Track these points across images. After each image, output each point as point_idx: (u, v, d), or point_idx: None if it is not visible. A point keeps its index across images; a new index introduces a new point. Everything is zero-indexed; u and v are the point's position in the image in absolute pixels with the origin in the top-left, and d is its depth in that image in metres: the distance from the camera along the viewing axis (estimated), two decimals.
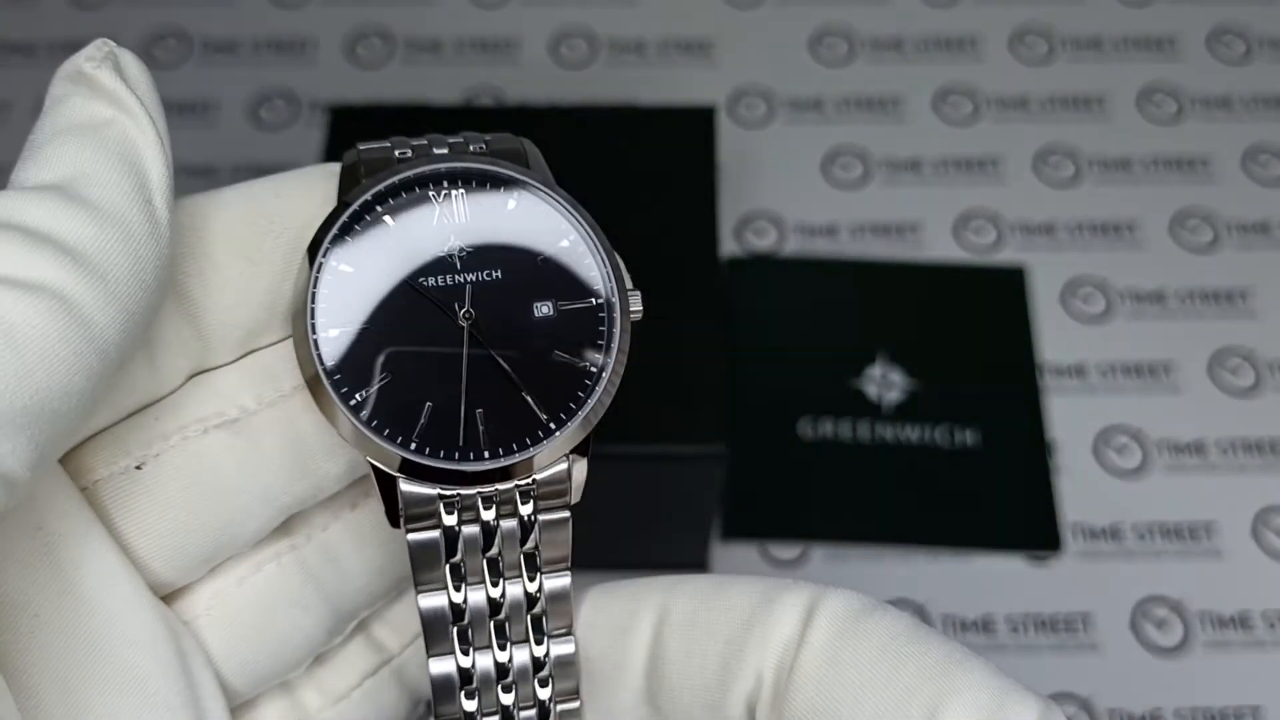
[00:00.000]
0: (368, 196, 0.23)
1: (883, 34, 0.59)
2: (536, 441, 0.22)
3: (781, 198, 0.54)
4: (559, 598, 0.23)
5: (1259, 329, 0.51)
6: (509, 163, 0.24)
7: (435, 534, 0.22)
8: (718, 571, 0.44)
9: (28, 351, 0.18)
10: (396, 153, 0.24)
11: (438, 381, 0.22)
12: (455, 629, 0.23)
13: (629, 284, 0.24)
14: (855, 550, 0.46)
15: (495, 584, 0.23)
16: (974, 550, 0.46)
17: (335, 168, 0.24)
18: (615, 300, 0.23)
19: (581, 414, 0.23)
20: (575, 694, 0.24)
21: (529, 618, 0.23)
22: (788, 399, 0.49)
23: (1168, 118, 0.57)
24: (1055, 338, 0.51)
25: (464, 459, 0.22)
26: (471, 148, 0.24)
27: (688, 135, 0.43)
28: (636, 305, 0.24)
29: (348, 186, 0.23)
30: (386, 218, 0.23)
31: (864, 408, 0.49)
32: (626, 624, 0.23)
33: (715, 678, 0.22)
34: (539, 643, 0.23)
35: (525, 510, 0.23)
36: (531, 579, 0.23)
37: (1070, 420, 0.49)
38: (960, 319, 0.51)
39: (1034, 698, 0.20)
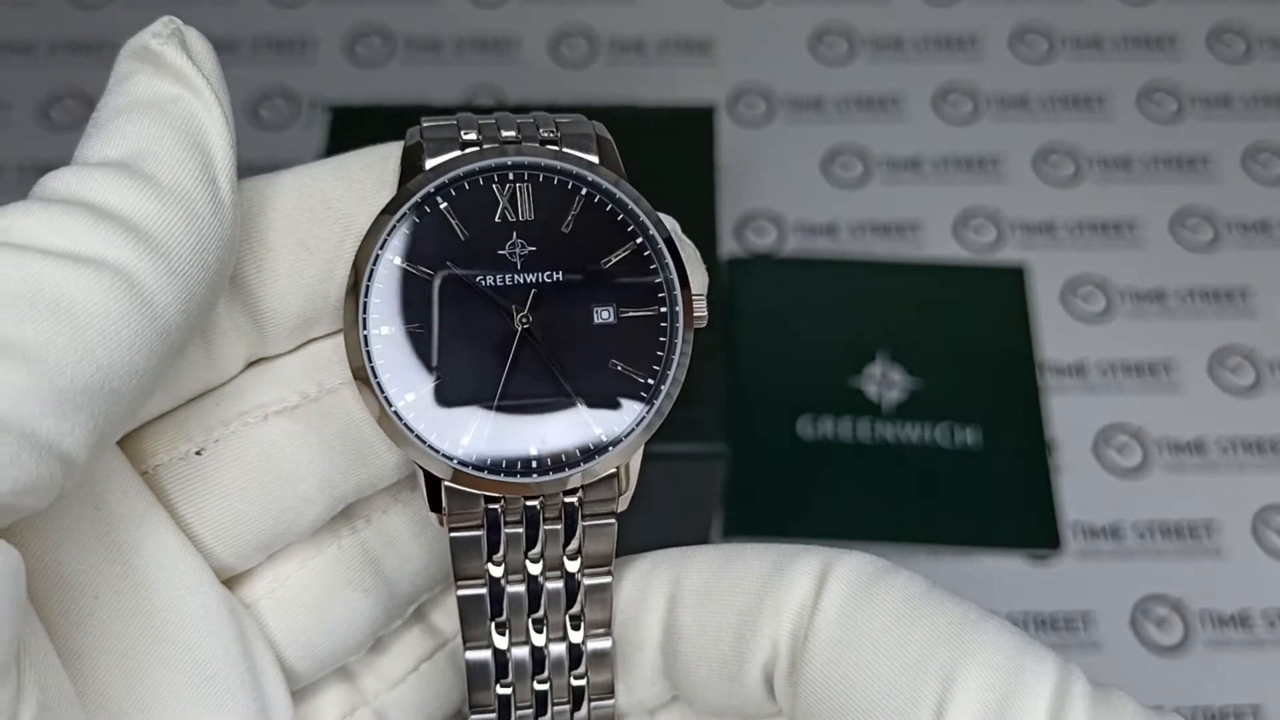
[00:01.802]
0: (429, 188, 0.22)
1: (883, 33, 0.59)
2: (589, 457, 0.22)
3: (781, 197, 0.54)
4: (599, 595, 0.23)
5: (1259, 328, 0.51)
6: (578, 154, 0.23)
7: (478, 533, 0.22)
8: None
9: (89, 329, 0.18)
10: (462, 133, 0.23)
11: (489, 386, 0.22)
12: (493, 622, 0.23)
13: (697, 287, 0.23)
14: (855, 549, 0.46)
15: (535, 578, 0.22)
16: (974, 549, 0.46)
17: (396, 150, 0.23)
18: (679, 309, 0.22)
19: (638, 429, 0.22)
20: (610, 691, 0.23)
21: (567, 615, 0.23)
22: (788, 398, 0.49)
23: (1168, 116, 0.57)
24: (1055, 337, 0.51)
25: (512, 473, 0.21)
26: (542, 131, 0.23)
27: (687, 135, 0.43)
28: (701, 310, 0.23)
29: (409, 170, 0.22)
30: (446, 210, 0.22)
31: (864, 407, 0.49)
32: (639, 602, 0.23)
33: (731, 650, 0.22)
34: (576, 632, 0.23)
35: (569, 511, 0.22)
36: (572, 576, 0.23)
37: (1070, 419, 0.49)
38: (960, 318, 0.51)
39: (1052, 656, 0.20)
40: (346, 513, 0.24)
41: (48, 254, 0.18)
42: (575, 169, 0.23)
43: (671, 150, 0.43)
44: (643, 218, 0.23)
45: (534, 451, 0.21)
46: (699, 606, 0.22)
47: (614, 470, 0.22)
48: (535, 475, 0.21)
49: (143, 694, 0.21)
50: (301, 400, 0.22)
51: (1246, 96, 0.57)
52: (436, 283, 0.22)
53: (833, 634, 0.21)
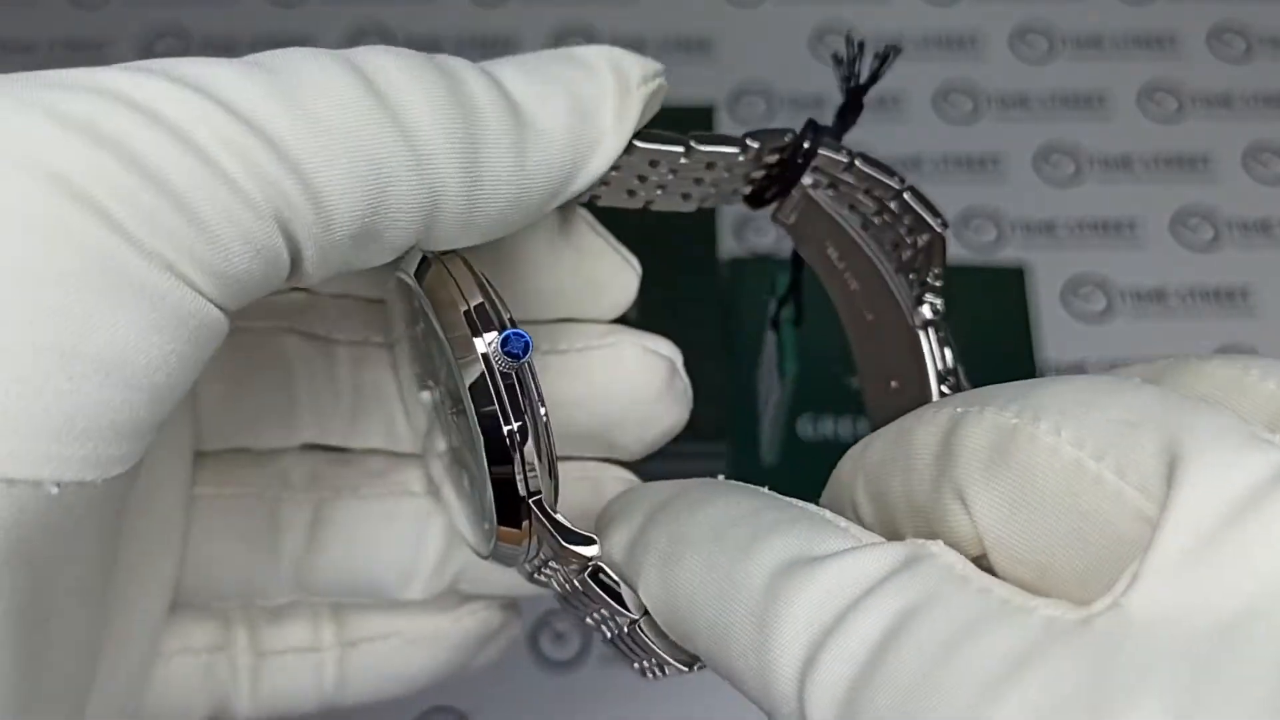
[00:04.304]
0: None
1: (883, 32, 0.59)
2: None
3: None
4: None
5: (1260, 327, 0.51)
6: None
7: None
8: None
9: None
10: None
11: None
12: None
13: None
14: None
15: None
16: None
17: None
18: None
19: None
20: None
21: None
22: (788, 398, 0.49)
23: (1168, 116, 0.57)
24: (1056, 336, 0.51)
25: None
26: None
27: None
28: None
29: None
30: None
31: (864, 406, 0.49)
32: None
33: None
34: None
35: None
36: None
37: None
38: (960, 318, 0.51)
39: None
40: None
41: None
42: None
43: None
44: None
45: None
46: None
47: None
48: None
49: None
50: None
51: (1247, 96, 0.57)
52: None
53: None
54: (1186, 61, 0.58)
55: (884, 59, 0.25)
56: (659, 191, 0.24)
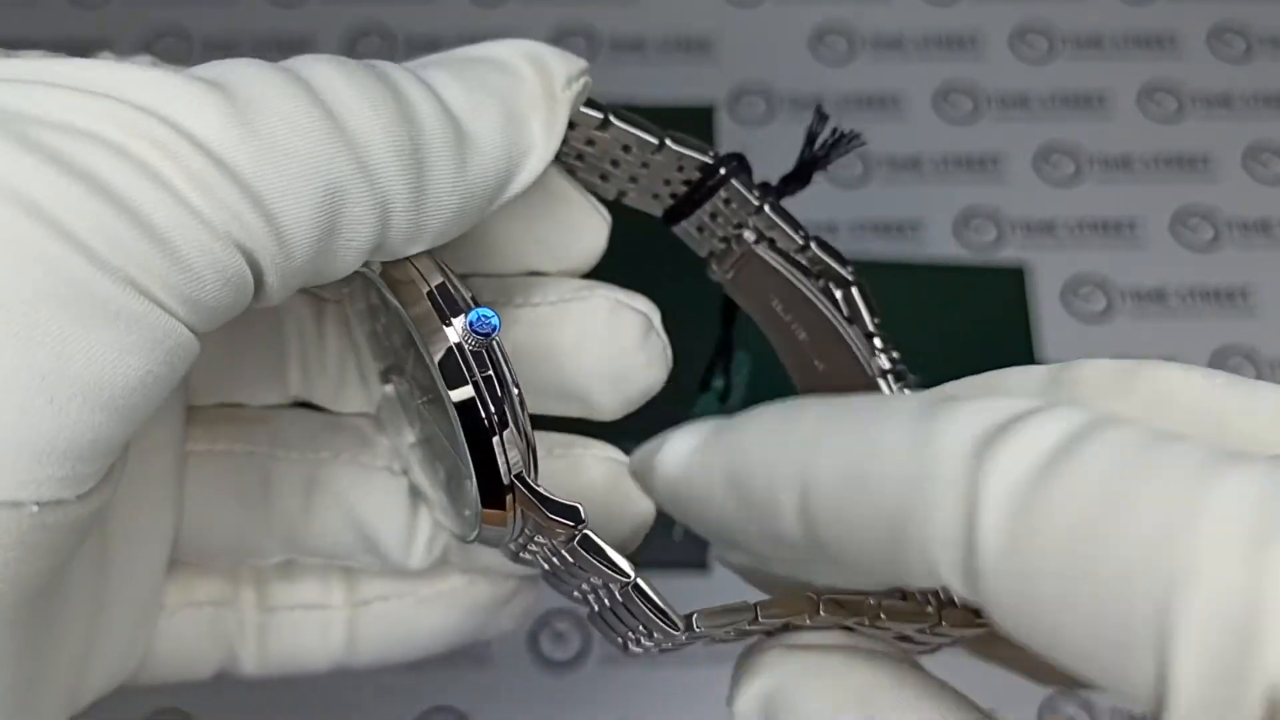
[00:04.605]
0: None
1: (883, 32, 0.59)
2: None
3: None
4: None
5: (1260, 327, 0.51)
6: None
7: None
8: (717, 573, 0.44)
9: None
10: None
11: None
12: None
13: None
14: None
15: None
16: None
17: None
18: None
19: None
20: None
21: None
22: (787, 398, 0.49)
23: (1168, 116, 0.57)
24: (1056, 336, 0.51)
25: None
26: None
27: (687, 133, 0.43)
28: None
29: None
30: None
31: None
32: None
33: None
34: None
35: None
36: None
37: None
38: (960, 318, 0.51)
39: None
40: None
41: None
42: None
43: None
44: None
45: None
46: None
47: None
48: None
49: None
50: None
51: (1247, 96, 0.57)
52: None
53: None
54: (1186, 61, 0.58)
55: (838, 137, 0.25)
56: (631, 184, 0.24)
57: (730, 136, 0.55)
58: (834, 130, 0.25)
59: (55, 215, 0.16)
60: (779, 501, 0.17)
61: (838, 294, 0.25)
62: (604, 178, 0.24)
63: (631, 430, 0.24)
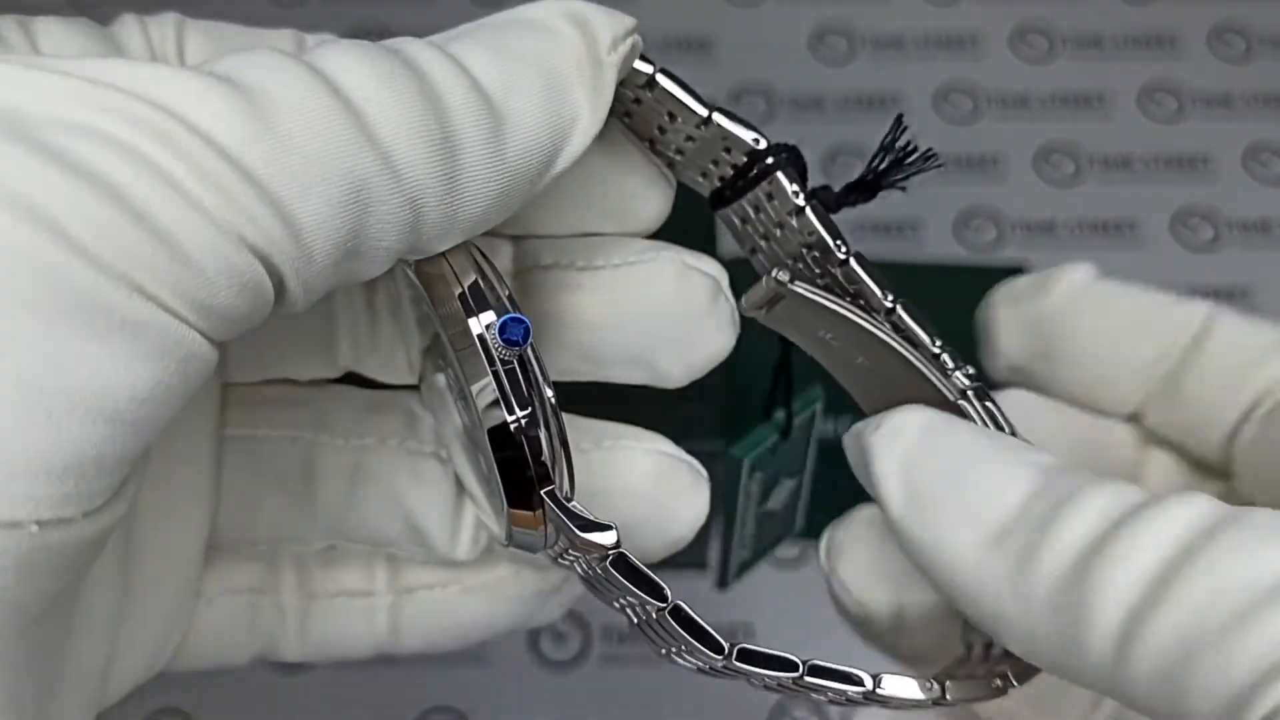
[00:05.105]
0: None
1: (883, 32, 0.59)
2: None
3: None
4: None
5: None
6: None
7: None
8: (714, 575, 0.44)
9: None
10: None
11: None
12: None
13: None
14: None
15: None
16: None
17: None
18: None
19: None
20: None
21: None
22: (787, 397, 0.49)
23: (1168, 116, 0.57)
24: None
25: None
26: None
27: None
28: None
29: None
30: None
31: None
32: None
33: None
34: None
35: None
36: None
37: None
38: (960, 318, 0.51)
39: None
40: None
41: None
42: None
43: None
44: None
45: None
46: None
47: None
48: None
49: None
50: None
51: (1247, 96, 0.57)
52: None
53: None
54: (1186, 61, 0.58)
55: (894, 134, 0.23)
56: (679, 155, 0.23)
57: None
58: (909, 144, 0.23)
59: (54, 218, 0.15)
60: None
61: (886, 319, 0.23)
62: (653, 143, 0.23)
63: (666, 431, 0.24)
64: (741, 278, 0.24)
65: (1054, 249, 0.53)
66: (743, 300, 0.24)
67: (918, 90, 0.57)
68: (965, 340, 0.53)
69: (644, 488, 0.23)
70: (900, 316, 0.24)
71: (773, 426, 0.39)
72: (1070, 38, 0.59)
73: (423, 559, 0.24)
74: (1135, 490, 0.18)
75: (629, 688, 0.43)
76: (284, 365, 0.24)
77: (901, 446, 0.22)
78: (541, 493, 0.19)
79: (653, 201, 0.23)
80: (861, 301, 0.24)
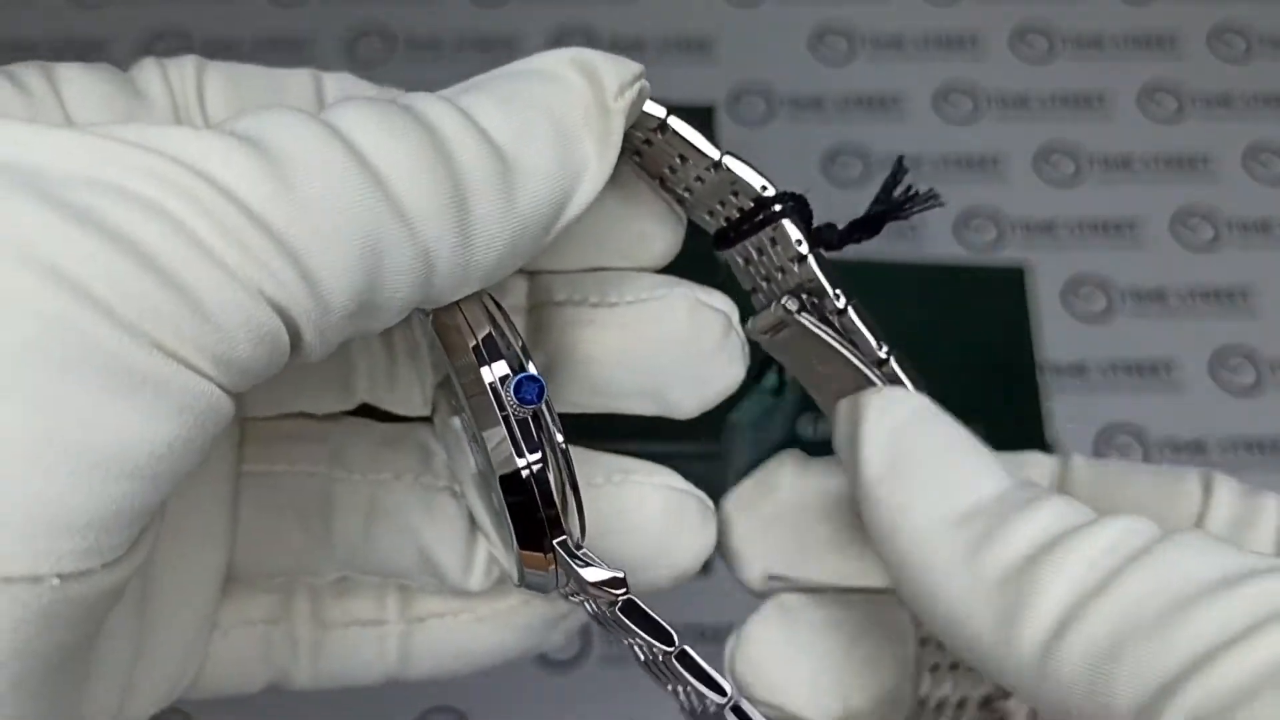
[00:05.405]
0: None
1: (883, 32, 0.59)
2: None
3: None
4: None
5: (1260, 327, 0.51)
6: None
7: None
8: (717, 573, 0.44)
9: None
10: None
11: None
12: None
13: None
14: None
15: None
16: None
17: None
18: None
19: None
20: None
21: None
22: (788, 398, 0.49)
23: (1169, 116, 0.57)
24: (1056, 336, 0.51)
25: None
26: None
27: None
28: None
29: None
30: None
31: None
32: None
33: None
34: None
35: None
36: None
37: (1071, 419, 0.49)
38: (960, 318, 0.51)
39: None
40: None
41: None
42: None
43: None
44: None
45: None
46: None
47: None
48: None
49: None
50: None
51: (1247, 96, 0.57)
52: None
53: None
54: (1186, 61, 0.58)
55: (896, 176, 0.24)
56: (687, 194, 0.23)
57: (730, 136, 0.55)
58: (909, 187, 0.25)
59: (80, 279, 0.15)
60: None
61: (876, 370, 0.24)
62: (662, 180, 0.23)
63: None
64: (734, 292, 0.25)
65: (1054, 249, 0.53)
66: (749, 324, 0.24)
67: (918, 90, 0.57)
68: (965, 339, 0.53)
69: (653, 524, 0.24)
70: (892, 368, 0.25)
71: (766, 389, 0.39)
72: (1070, 38, 0.59)
73: (435, 589, 0.25)
74: (1089, 510, 0.20)
75: (629, 688, 0.43)
76: (301, 401, 0.24)
77: (898, 414, 0.23)
78: (554, 543, 0.20)
79: (664, 238, 0.23)
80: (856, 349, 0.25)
